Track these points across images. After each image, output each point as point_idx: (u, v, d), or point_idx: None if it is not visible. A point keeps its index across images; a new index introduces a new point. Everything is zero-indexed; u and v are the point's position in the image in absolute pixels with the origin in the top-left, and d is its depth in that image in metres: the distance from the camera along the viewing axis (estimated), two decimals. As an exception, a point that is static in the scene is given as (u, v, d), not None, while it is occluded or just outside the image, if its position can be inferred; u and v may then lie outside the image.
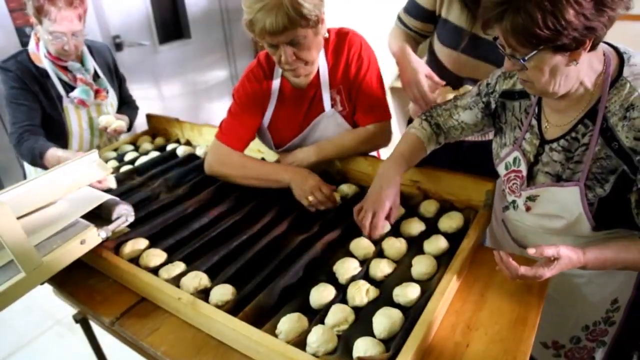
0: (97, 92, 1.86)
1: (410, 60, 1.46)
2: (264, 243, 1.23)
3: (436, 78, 1.44)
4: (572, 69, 0.90)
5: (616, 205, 0.99)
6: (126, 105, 2.07)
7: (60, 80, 1.78)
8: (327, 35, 1.35)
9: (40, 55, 1.73)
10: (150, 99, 3.53)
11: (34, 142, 1.67)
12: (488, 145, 1.42)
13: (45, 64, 1.74)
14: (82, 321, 1.41)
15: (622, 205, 0.98)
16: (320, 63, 1.42)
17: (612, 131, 0.93)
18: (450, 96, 1.36)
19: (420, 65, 1.45)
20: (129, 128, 2.03)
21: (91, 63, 1.86)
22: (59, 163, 1.59)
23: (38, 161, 1.66)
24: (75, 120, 1.84)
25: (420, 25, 1.56)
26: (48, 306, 2.63)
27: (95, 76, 1.88)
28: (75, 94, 1.80)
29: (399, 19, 1.61)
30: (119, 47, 3.20)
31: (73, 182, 1.18)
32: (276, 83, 1.45)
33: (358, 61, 1.41)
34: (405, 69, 1.46)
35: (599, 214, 1.02)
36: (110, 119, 1.87)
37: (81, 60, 1.83)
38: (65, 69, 1.78)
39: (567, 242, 1.03)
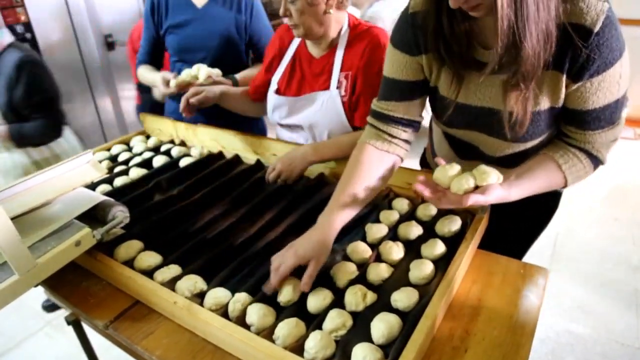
0: None
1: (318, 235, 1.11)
2: (260, 246, 1.23)
3: None
4: None
5: None
6: None
7: None
8: (344, 22, 1.52)
9: None
10: (142, 99, 3.51)
11: None
12: None
13: None
14: (74, 323, 1.39)
15: None
16: (340, 42, 1.52)
17: None
18: (464, 183, 0.99)
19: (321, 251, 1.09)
20: None
21: None
22: None
23: None
24: None
25: (403, 108, 1.19)
26: (38, 307, 2.60)
27: None
28: None
29: (373, 113, 1.23)
30: (110, 46, 3.18)
31: (67, 183, 1.17)
32: (295, 42, 1.63)
33: (373, 56, 1.46)
34: None
35: None
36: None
37: None
38: None
39: None
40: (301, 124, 1.62)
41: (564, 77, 0.97)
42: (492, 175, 0.99)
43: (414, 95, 1.18)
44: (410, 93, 1.18)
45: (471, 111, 1.12)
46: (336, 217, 1.11)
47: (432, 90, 1.18)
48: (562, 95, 1.00)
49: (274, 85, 1.66)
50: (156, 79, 1.81)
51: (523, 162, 1.11)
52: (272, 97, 1.66)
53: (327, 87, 1.53)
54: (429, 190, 1.02)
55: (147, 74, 1.98)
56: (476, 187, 0.99)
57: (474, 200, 0.95)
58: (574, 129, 1.05)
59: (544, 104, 1.02)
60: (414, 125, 1.21)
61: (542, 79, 0.98)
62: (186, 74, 1.77)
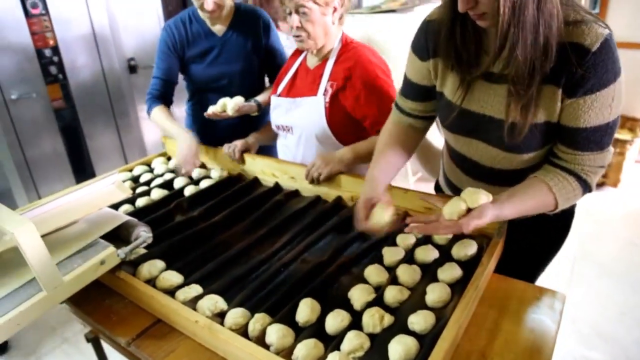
0: None
1: (367, 182, 1.28)
2: (277, 266, 1.25)
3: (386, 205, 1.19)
4: None
5: None
6: None
7: None
8: (337, 38, 1.69)
9: None
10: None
11: None
12: None
13: None
14: (93, 340, 1.41)
15: None
16: (331, 56, 1.68)
17: None
18: (455, 207, 1.05)
19: (372, 190, 1.23)
20: None
21: None
22: None
23: None
24: None
25: (419, 106, 1.34)
26: (55, 323, 2.63)
27: None
28: None
29: (396, 104, 1.40)
30: (133, 69, 3.26)
31: (94, 203, 1.21)
32: (301, 57, 1.81)
33: (366, 75, 1.60)
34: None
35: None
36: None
37: None
38: None
39: None
40: (291, 126, 1.77)
41: (560, 92, 1.03)
42: (482, 195, 1.04)
43: (428, 98, 1.31)
44: (424, 96, 1.31)
45: (472, 117, 1.18)
46: (378, 175, 1.29)
47: (439, 95, 1.26)
48: (558, 110, 1.05)
49: (277, 92, 1.84)
50: (180, 158, 1.80)
51: (521, 178, 1.15)
52: (273, 100, 1.84)
53: (315, 94, 1.68)
54: (422, 225, 1.10)
55: (169, 127, 1.91)
56: (468, 210, 1.04)
57: (475, 224, 1.02)
58: (565, 147, 1.09)
59: (541, 116, 1.07)
60: (429, 118, 1.38)
61: (540, 92, 1.04)
62: (212, 109, 1.85)
